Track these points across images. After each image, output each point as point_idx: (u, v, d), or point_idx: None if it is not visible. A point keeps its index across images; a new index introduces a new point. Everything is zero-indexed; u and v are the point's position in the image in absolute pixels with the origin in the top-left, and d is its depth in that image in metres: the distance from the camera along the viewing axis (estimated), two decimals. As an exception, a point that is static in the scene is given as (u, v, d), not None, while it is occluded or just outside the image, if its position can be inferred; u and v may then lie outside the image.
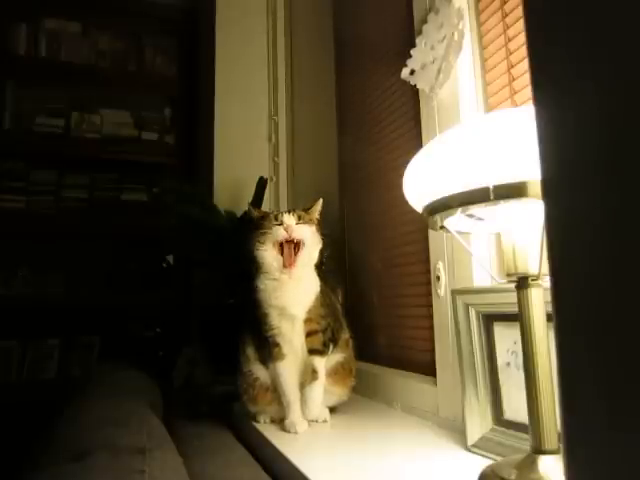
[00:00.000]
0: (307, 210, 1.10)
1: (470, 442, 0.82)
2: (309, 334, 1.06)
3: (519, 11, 0.90)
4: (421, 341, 1.15)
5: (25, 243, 2.00)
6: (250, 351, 1.10)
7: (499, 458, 0.74)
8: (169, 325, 1.72)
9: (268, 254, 1.04)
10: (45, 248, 2.01)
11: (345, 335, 1.16)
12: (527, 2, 0.28)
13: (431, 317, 1.08)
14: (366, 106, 1.47)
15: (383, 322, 1.35)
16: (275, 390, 1.06)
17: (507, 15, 0.94)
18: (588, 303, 0.24)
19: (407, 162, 0.66)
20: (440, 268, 1.04)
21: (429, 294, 1.09)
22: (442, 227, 0.67)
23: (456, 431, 0.92)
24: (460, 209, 0.59)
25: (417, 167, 0.64)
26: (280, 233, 1.02)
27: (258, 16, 2.07)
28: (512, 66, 0.92)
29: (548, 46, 0.27)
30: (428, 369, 1.09)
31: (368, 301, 1.40)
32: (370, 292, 1.41)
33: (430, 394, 1.05)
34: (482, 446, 0.81)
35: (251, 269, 1.09)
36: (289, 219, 1.04)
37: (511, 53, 0.92)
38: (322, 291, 1.09)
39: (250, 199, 1.62)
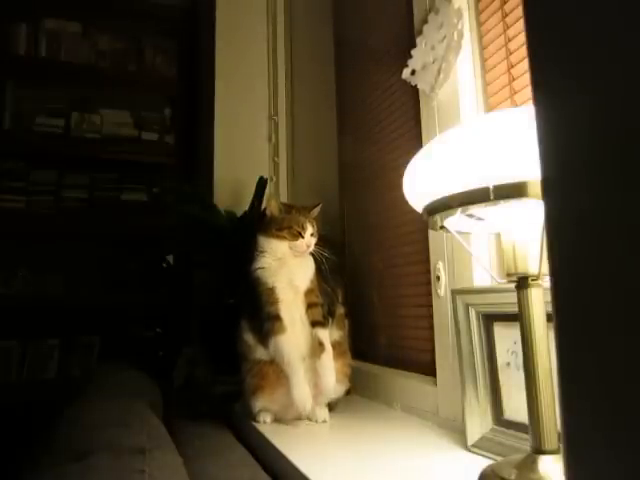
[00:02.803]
0: (312, 212, 1.17)
1: (470, 442, 0.82)
2: (310, 306, 1.09)
3: (519, 11, 0.90)
4: (421, 341, 1.15)
5: (25, 243, 1.99)
6: (249, 337, 1.11)
7: (499, 458, 0.74)
8: (169, 325, 1.72)
9: (280, 247, 1.10)
10: (45, 248, 2.01)
11: (340, 310, 1.18)
12: (527, 2, 0.28)
13: (431, 317, 1.08)
14: (366, 106, 1.47)
15: (383, 322, 1.35)
16: (280, 371, 1.06)
17: (507, 15, 0.94)
18: (588, 303, 0.24)
19: (407, 162, 0.66)
20: (440, 268, 1.04)
21: (429, 294, 1.09)
22: (442, 227, 0.67)
23: (456, 431, 0.92)
24: (460, 209, 0.59)
25: (417, 167, 0.64)
26: (301, 247, 1.10)
27: (258, 16, 2.07)
28: (512, 66, 0.92)
29: (548, 46, 0.27)
30: (428, 369, 1.09)
31: (368, 301, 1.40)
32: (370, 292, 1.41)
33: (430, 394, 1.05)
34: (482, 446, 0.81)
35: (250, 252, 1.13)
36: (310, 230, 1.11)
37: (511, 53, 0.92)
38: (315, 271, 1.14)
39: (250, 199, 1.62)
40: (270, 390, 1.07)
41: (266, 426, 1.05)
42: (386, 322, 1.34)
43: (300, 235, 1.10)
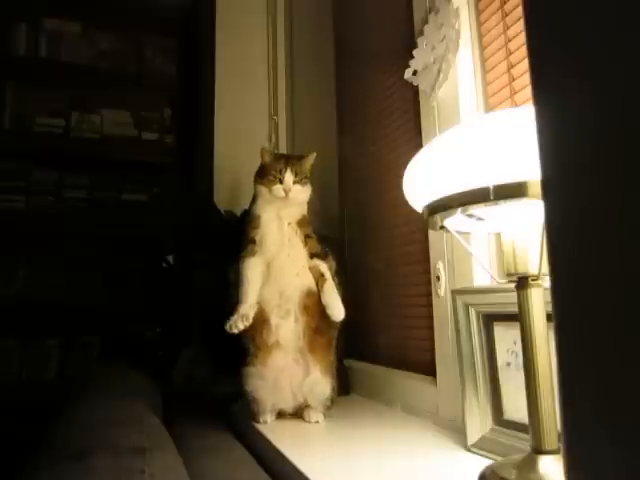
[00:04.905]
0: (301, 160, 1.18)
1: (470, 442, 0.82)
2: (307, 237, 1.13)
3: (519, 11, 0.90)
4: (421, 341, 1.15)
5: (25, 243, 1.99)
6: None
7: (499, 458, 0.74)
8: (169, 325, 1.72)
9: (264, 192, 1.15)
10: (45, 248, 2.00)
11: (331, 262, 1.19)
12: (527, 2, 0.28)
13: (431, 317, 1.08)
14: (366, 106, 1.47)
15: (383, 322, 1.35)
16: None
17: (507, 15, 0.94)
18: (588, 303, 0.24)
19: (407, 162, 0.66)
20: (440, 268, 1.04)
21: (429, 294, 1.09)
22: (442, 227, 0.67)
23: (456, 431, 0.92)
24: (460, 209, 0.59)
25: (417, 167, 0.64)
26: (279, 193, 1.12)
27: (258, 16, 2.07)
28: (512, 66, 0.92)
29: (548, 46, 0.27)
30: (428, 369, 1.09)
31: (368, 301, 1.40)
32: (370, 292, 1.41)
33: (430, 394, 1.05)
34: (482, 446, 0.81)
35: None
36: (289, 178, 1.13)
37: (511, 53, 0.92)
38: None
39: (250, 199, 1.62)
40: (264, 355, 1.06)
41: (266, 426, 1.05)
42: (386, 322, 1.34)
43: (279, 181, 1.12)
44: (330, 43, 1.78)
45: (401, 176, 0.68)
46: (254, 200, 1.18)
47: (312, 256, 1.11)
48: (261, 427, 1.04)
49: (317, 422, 1.06)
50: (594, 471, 0.24)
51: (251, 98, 2.00)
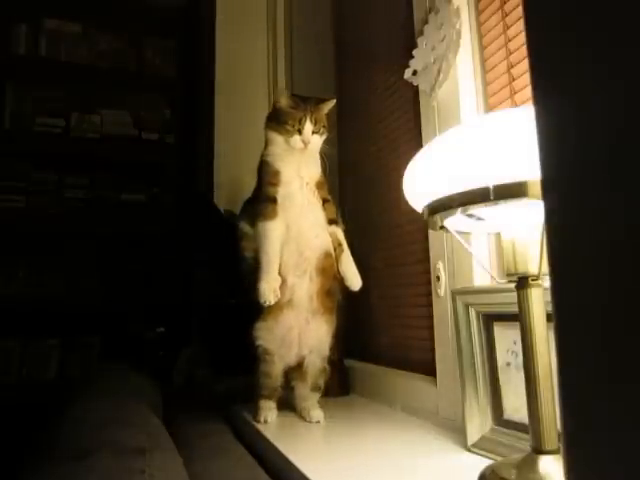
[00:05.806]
0: (320, 106, 1.11)
1: (470, 442, 0.82)
2: (324, 202, 1.10)
3: (519, 11, 0.90)
4: (421, 341, 1.15)
5: (25, 243, 1.99)
6: (247, 226, 1.12)
7: (499, 458, 0.74)
8: (169, 325, 1.72)
9: (278, 140, 1.09)
10: (45, 248, 2.00)
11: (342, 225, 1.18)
12: (527, 2, 0.28)
13: (431, 317, 1.08)
14: (366, 106, 1.47)
15: (383, 322, 1.35)
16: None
17: (507, 15, 0.94)
18: (588, 303, 0.24)
19: (407, 162, 0.66)
20: (440, 268, 1.04)
21: (429, 294, 1.09)
22: (442, 227, 0.67)
23: (456, 431, 0.92)
24: (460, 209, 0.59)
25: (417, 167, 0.64)
26: (297, 144, 1.07)
27: (258, 15, 2.07)
28: (512, 66, 0.92)
29: (548, 46, 0.27)
30: (428, 369, 1.09)
31: (368, 301, 1.40)
32: (370, 292, 1.41)
33: (430, 394, 1.05)
34: (482, 446, 0.81)
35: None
36: (309, 129, 1.07)
37: (511, 53, 0.92)
38: None
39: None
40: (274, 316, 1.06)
41: (266, 426, 1.05)
42: (386, 322, 1.34)
43: (298, 132, 1.07)
44: (330, 42, 1.78)
45: (401, 176, 0.68)
46: (267, 145, 1.12)
47: (330, 222, 1.10)
48: (261, 427, 1.04)
49: (318, 422, 1.06)
50: (594, 471, 0.24)
51: (251, 98, 2.00)
